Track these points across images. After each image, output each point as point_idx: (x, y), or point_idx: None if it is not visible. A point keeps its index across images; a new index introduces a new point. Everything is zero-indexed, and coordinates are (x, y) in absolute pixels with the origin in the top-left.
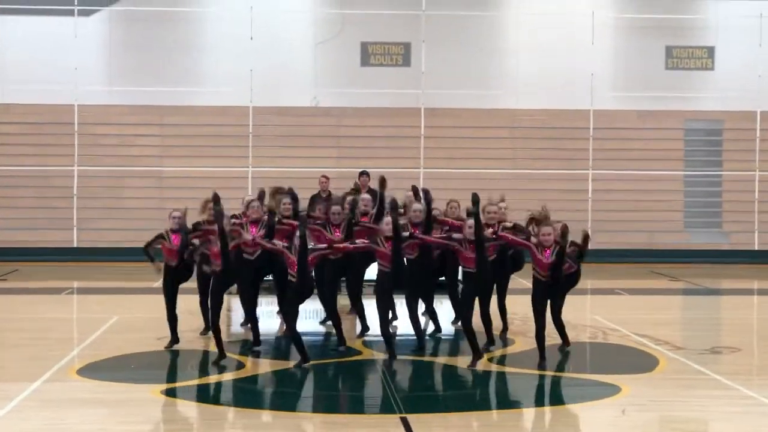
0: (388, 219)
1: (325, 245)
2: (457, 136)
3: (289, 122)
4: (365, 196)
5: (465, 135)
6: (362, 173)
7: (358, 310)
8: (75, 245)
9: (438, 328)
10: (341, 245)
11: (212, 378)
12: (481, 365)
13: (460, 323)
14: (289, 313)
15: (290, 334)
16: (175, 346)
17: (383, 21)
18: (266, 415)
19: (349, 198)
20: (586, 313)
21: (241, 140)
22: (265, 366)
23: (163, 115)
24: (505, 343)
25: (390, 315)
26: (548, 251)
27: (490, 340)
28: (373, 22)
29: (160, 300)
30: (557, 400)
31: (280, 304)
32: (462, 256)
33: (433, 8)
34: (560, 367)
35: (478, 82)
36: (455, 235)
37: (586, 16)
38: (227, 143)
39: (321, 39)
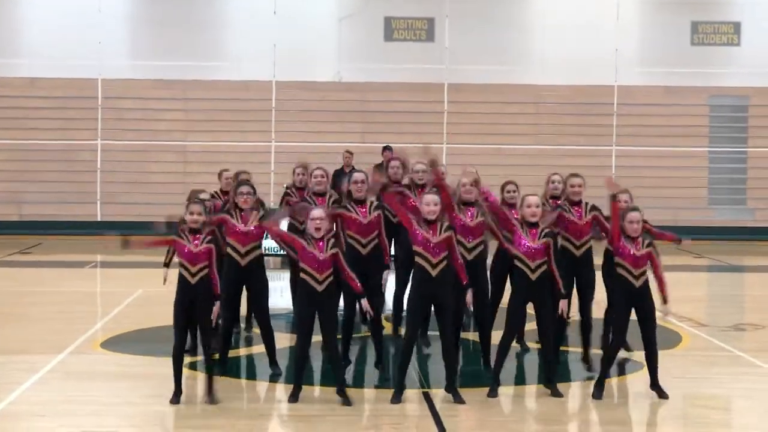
0: (429, 198)
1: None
2: (481, 111)
3: (312, 97)
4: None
5: (489, 110)
6: (386, 148)
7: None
8: (99, 219)
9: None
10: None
11: (235, 352)
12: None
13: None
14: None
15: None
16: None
17: None
18: (289, 388)
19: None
20: None
21: (265, 115)
22: (286, 341)
23: (187, 89)
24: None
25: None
26: (639, 242)
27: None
28: None
29: None
30: (580, 375)
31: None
32: (518, 245)
33: None
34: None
35: (501, 58)
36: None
37: None
38: (250, 118)
39: (344, 14)
